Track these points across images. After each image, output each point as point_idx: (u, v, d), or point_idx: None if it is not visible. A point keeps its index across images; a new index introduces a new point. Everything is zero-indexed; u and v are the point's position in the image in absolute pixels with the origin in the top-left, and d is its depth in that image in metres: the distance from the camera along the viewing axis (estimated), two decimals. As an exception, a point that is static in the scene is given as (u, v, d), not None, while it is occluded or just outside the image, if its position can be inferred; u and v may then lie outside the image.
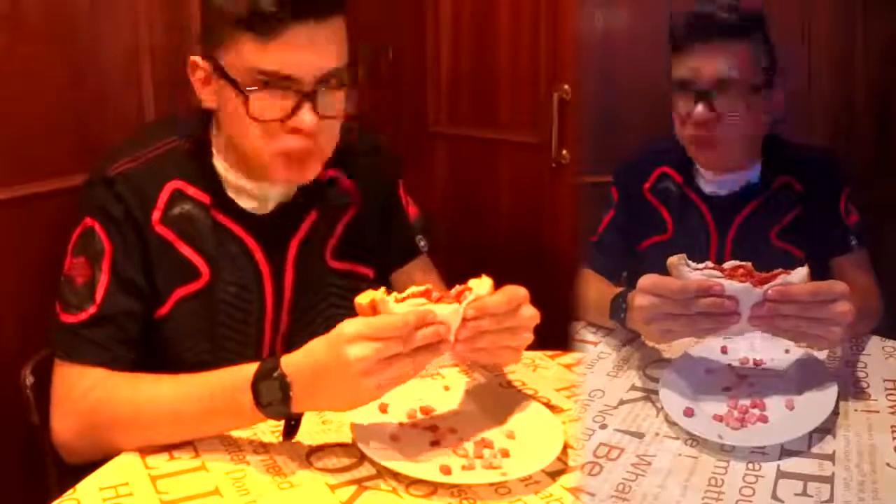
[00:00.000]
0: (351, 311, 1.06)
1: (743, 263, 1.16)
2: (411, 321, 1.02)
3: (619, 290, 1.34)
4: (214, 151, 1.26)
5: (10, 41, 1.47)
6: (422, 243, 1.45)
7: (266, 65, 1.12)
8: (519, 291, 1.11)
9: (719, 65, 1.43)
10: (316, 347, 1.05)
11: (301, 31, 1.11)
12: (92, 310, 1.18)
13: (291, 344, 1.16)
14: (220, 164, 1.25)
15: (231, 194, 1.25)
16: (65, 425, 1.17)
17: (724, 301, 1.13)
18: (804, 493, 1.00)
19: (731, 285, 1.13)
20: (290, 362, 1.05)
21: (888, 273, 1.52)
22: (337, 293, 1.31)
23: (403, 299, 1.05)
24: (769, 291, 1.12)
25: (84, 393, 1.15)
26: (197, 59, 1.20)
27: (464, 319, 1.07)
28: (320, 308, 1.31)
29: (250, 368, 1.07)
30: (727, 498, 0.99)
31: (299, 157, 1.18)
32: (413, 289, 1.08)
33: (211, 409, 1.10)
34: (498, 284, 1.12)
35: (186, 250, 1.23)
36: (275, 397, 1.05)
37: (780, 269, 1.15)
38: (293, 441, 1.11)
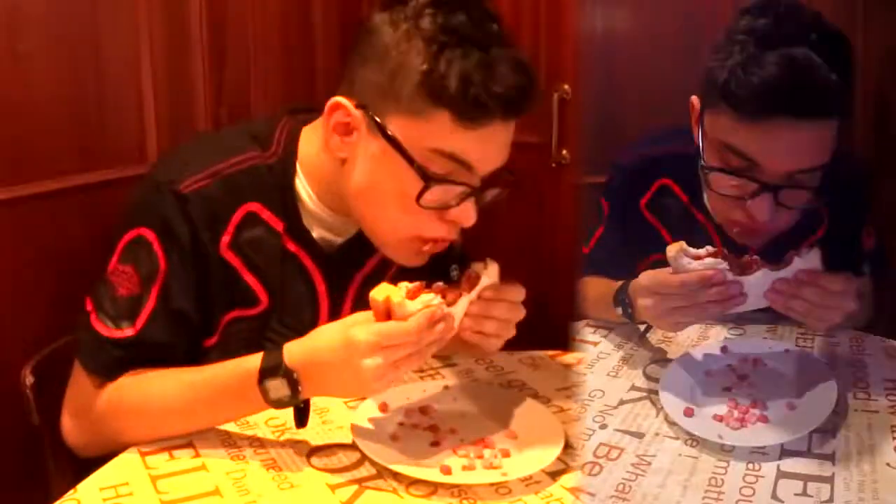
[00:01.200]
0: None
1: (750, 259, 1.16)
2: (423, 325, 1.02)
3: (615, 286, 1.32)
4: (299, 174, 1.19)
5: (10, 41, 1.47)
6: (454, 273, 1.38)
7: (456, 150, 1.07)
8: (522, 290, 1.14)
9: (804, 155, 1.12)
10: (324, 347, 1.04)
11: (501, 127, 1.08)
12: (129, 332, 1.13)
13: None
14: (302, 189, 1.19)
15: (306, 222, 1.20)
16: (74, 427, 1.18)
17: (729, 288, 1.13)
18: (804, 493, 1.00)
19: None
20: (296, 357, 1.05)
21: (887, 273, 1.51)
22: None
23: (415, 292, 1.05)
24: (797, 272, 1.12)
25: (96, 400, 1.15)
26: (346, 102, 1.10)
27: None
28: None
29: (255, 362, 1.06)
30: (727, 498, 0.99)
31: (435, 245, 1.16)
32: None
33: (219, 403, 1.11)
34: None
35: (249, 278, 1.18)
36: (284, 394, 1.06)
37: (791, 252, 1.14)
38: (304, 427, 1.12)
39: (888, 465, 1.04)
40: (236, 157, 1.17)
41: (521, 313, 1.14)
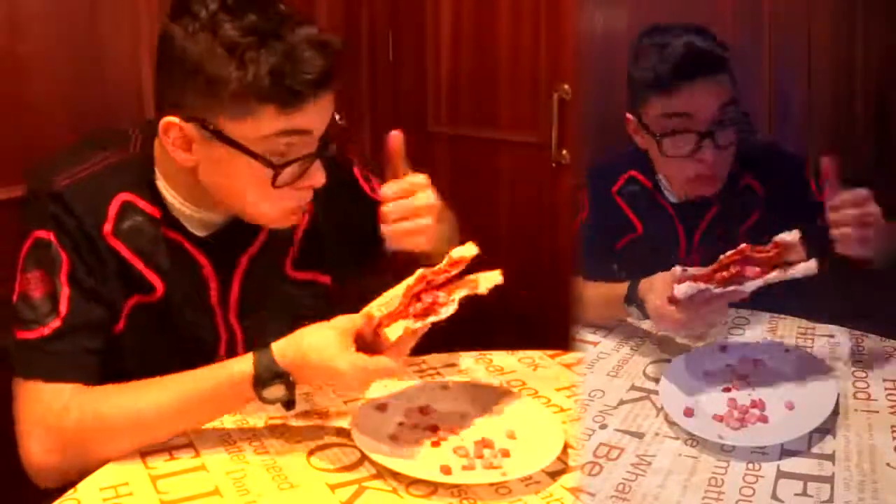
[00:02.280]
0: (308, 320, 1.12)
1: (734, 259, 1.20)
2: (405, 355, 1.08)
3: (619, 287, 1.35)
4: (158, 174, 1.21)
5: (10, 41, 1.47)
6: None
7: (289, 126, 1.11)
8: (417, 178, 1.19)
9: (718, 101, 1.41)
10: (312, 360, 1.08)
11: (325, 98, 1.12)
12: (55, 323, 1.13)
13: (249, 350, 1.14)
14: (164, 189, 1.21)
15: (176, 215, 1.22)
16: (44, 447, 1.11)
17: (724, 296, 1.19)
18: (804, 493, 1.00)
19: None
20: (289, 359, 1.08)
21: (888, 273, 1.51)
22: (293, 302, 1.29)
23: (393, 315, 1.08)
24: (835, 202, 1.21)
25: (62, 411, 1.10)
26: (174, 120, 1.12)
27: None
28: (274, 318, 1.26)
29: (246, 369, 1.09)
30: (727, 498, 1.00)
31: (301, 207, 1.20)
32: (405, 284, 1.09)
33: (208, 407, 1.12)
34: (498, 285, 1.13)
35: (139, 264, 1.19)
36: (281, 395, 1.09)
37: (772, 239, 1.20)
38: (293, 409, 1.13)
39: (888, 465, 1.04)
40: (99, 155, 1.21)
41: (414, 204, 1.17)
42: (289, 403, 1.12)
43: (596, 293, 1.45)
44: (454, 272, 1.12)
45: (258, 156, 1.11)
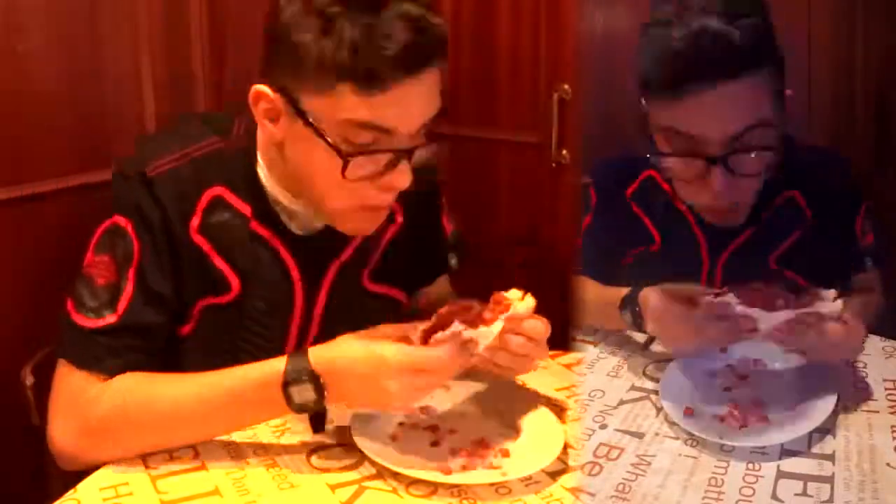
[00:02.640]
0: None
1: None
2: (454, 354, 1.03)
3: (619, 291, 1.31)
4: (261, 163, 1.18)
5: (10, 41, 1.47)
6: (453, 261, 1.38)
7: (368, 118, 1.03)
8: (548, 325, 1.11)
9: (735, 115, 1.10)
10: (350, 357, 1.04)
11: (408, 85, 1.03)
12: (111, 319, 1.11)
13: None
14: (265, 179, 1.18)
15: (274, 208, 1.19)
16: (68, 431, 1.10)
17: (739, 320, 1.13)
18: (804, 493, 1.00)
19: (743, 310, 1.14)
20: (322, 362, 1.04)
21: (888, 272, 1.51)
22: (368, 317, 1.15)
23: (439, 325, 1.04)
24: (800, 315, 1.11)
25: (93, 399, 1.09)
26: (265, 90, 1.08)
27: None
28: (349, 331, 1.15)
29: (278, 366, 1.05)
30: (727, 498, 1.00)
31: (379, 211, 1.14)
32: (448, 307, 1.07)
33: (234, 408, 1.08)
34: (496, 285, 1.11)
35: (219, 262, 1.16)
36: (309, 398, 1.05)
37: (812, 291, 1.12)
38: (322, 431, 1.11)
39: (888, 465, 1.04)
40: (198, 143, 1.17)
41: (542, 352, 1.11)
42: (317, 421, 1.09)
43: (595, 294, 1.44)
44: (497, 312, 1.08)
45: (329, 139, 1.05)
